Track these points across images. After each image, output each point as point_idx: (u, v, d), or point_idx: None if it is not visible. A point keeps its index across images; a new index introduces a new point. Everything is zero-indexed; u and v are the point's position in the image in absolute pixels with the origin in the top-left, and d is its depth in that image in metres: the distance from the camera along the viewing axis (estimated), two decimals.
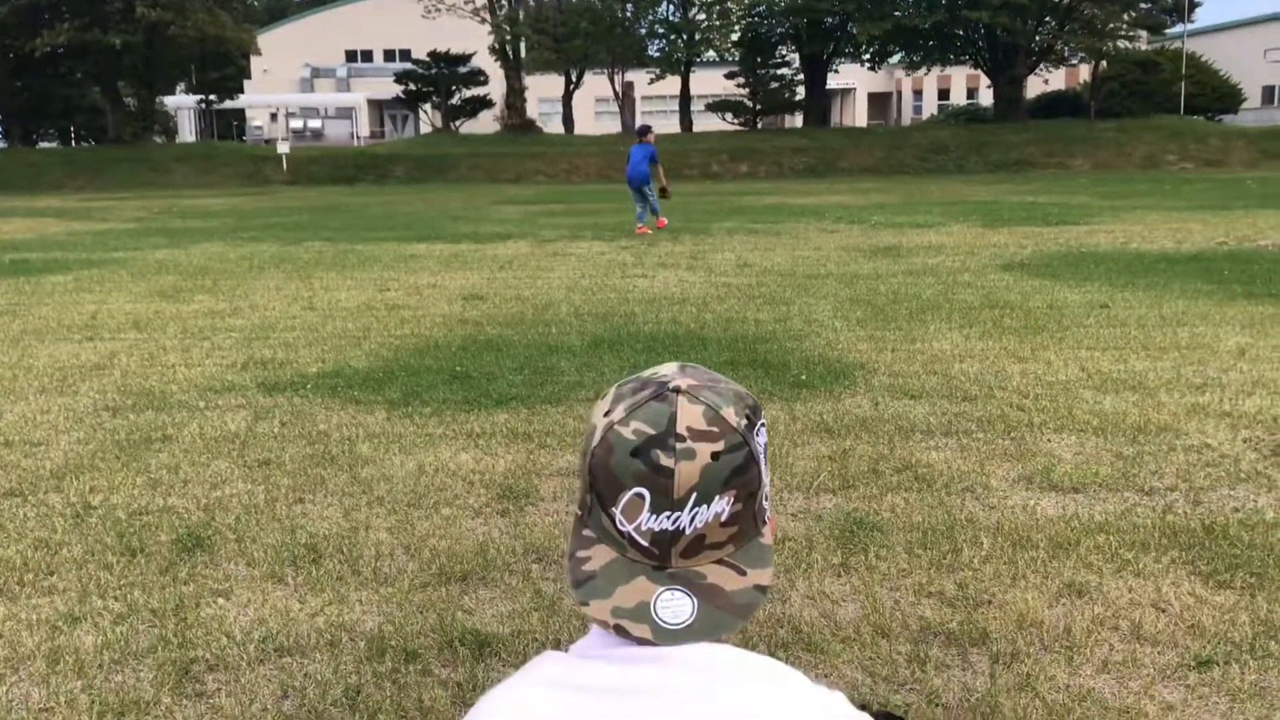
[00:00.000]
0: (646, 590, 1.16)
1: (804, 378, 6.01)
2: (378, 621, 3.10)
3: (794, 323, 7.86)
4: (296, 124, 69.52)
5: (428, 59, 48.40)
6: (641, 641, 1.15)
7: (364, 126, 66.98)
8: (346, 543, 3.70)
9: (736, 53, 48.24)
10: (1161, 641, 2.89)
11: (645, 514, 1.15)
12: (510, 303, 9.16)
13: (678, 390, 1.15)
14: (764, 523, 1.21)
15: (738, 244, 13.86)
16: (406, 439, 4.99)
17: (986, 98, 54.87)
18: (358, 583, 3.37)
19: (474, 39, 48.68)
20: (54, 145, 55.85)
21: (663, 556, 1.16)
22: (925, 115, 67.25)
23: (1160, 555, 3.46)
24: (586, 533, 1.21)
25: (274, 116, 71.32)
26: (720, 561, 1.18)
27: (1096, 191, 24.32)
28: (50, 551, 3.69)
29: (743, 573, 1.18)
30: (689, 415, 1.14)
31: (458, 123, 49.24)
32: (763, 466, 1.19)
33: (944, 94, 69.54)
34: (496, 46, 45.56)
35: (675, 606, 1.16)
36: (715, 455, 1.14)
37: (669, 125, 46.26)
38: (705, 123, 48.03)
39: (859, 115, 70.14)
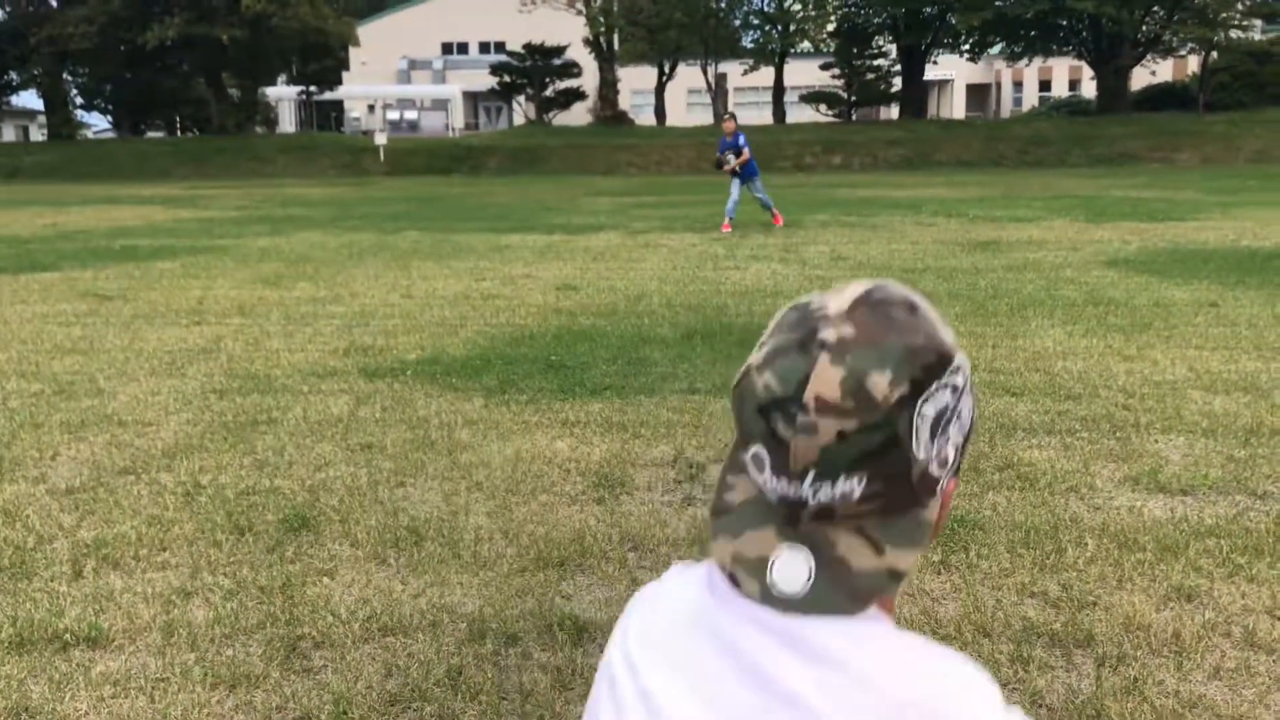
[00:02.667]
0: (770, 544, 1.02)
1: None
2: (478, 604, 3.14)
3: None
4: (393, 115, 70.69)
5: (522, 51, 48.79)
6: (747, 595, 1.02)
7: (458, 118, 67.81)
8: (447, 526, 3.75)
9: (832, 43, 47.78)
10: (1278, 649, 2.80)
11: (768, 473, 1.01)
12: (603, 293, 9.20)
13: (824, 345, 0.96)
14: (930, 495, 1.01)
15: (831, 237, 13.74)
16: (504, 426, 5.05)
17: (1089, 89, 53.57)
18: (458, 566, 3.42)
19: (568, 31, 48.96)
20: (161, 135, 57.56)
21: (792, 517, 1.01)
22: (1025, 107, 65.93)
23: (1275, 561, 3.36)
24: (733, 467, 1.07)
25: (371, 108, 72.59)
26: (859, 530, 1.01)
27: (1205, 187, 23.61)
28: (163, 528, 3.81)
29: (880, 550, 1.01)
30: (824, 380, 0.96)
31: (551, 114, 49.58)
32: (923, 440, 0.99)
33: (1045, 85, 68.06)
34: (590, 38, 45.72)
35: (791, 571, 1.01)
36: (842, 435, 0.96)
37: (762, 116, 46.06)
38: (798, 114, 47.70)
39: (956, 107, 68.98)
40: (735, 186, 15.39)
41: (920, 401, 0.97)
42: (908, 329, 0.97)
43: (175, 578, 3.39)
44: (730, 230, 14.64)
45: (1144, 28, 44.05)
